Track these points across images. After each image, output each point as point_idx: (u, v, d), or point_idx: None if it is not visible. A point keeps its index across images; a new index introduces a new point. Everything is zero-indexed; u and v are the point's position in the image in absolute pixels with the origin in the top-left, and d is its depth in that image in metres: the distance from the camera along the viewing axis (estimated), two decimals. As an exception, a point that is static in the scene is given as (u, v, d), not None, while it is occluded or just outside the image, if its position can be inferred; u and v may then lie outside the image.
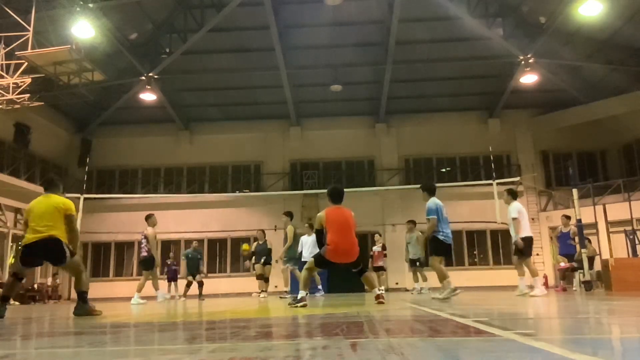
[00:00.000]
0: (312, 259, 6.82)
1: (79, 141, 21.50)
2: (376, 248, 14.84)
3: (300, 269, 9.33)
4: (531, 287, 9.26)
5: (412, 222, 13.00)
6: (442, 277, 7.71)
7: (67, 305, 14.78)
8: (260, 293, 12.59)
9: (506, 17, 17.10)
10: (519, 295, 8.84)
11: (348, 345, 2.37)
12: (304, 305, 6.07)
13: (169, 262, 17.62)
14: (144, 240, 10.94)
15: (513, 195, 9.26)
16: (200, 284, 13.72)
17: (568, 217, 12.41)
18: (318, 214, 6.77)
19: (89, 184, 20.03)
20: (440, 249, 7.87)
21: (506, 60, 18.12)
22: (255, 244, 13.36)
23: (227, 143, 21.79)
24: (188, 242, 20.94)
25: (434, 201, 7.96)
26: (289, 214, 11.95)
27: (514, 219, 8.86)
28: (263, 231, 13.26)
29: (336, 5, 15.97)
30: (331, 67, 18.87)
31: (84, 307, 6.06)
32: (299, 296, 6.34)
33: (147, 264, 10.94)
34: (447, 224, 7.94)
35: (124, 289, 19.59)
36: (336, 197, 6.80)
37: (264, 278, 12.73)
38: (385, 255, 14.72)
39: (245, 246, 13.70)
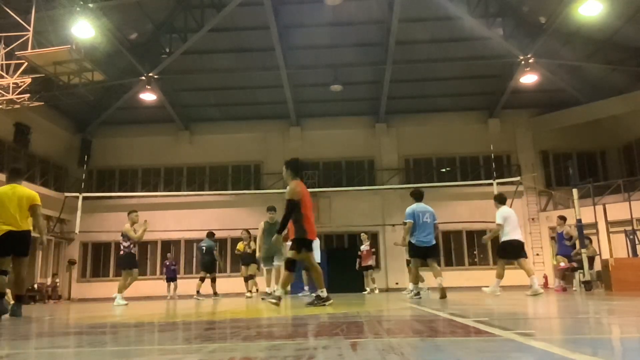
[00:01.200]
0: (292, 250, 6.21)
1: (79, 141, 21.49)
2: (364, 247, 14.70)
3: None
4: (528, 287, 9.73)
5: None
6: (413, 279, 8.67)
7: (67, 305, 14.78)
8: (249, 293, 12.60)
9: (506, 17, 17.08)
10: (490, 293, 9.53)
11: (348, 345, 2.37)
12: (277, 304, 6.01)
13: (167, 263, 17.53)
14: (120, 238, 10.26)
15: (500, 200, 9.69)
16: (214, 280, 13.36)
17: (562, 218, 12.43)
18: (292, 186, 6.33)
19: (89, 183, 20.05)
20: (413, 252, 8.55)
21: (506, 60, 18.11)
22: (243, 244, 13.30)
23: (227, 143, 21.78)
24: (188, 242, 21.02)
25: (412, 207, 8.57)
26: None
27: (498, 224, 9.40)
28: (247, 231, 13.24)
29: (336, 5, 15.96)
30: (331, 67, 18.86)
31: (19, 308, 6.11)
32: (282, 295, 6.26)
33: (124, 263, 10.28)
34: (425, 229, 8.44)
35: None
36: (298, 168, 6.77)
37: (252, 278, 12.73)
38: (374, 254, 14.65)
39: (240, 245, 13.37)
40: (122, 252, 10.23)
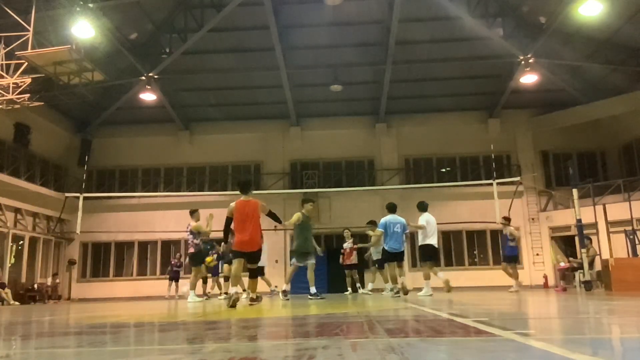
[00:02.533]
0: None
1: (79, 141, 21.49)
2: (346, 245, 13.62)
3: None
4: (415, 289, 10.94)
5: (373, 223, 12.48)
6: (385, 280, 10.44)
7: (67, 305, 14.78)
8: (225, 294, 12.67)
9: (506, 17, 17.07)
10: (423, 295, 10.22)
11: (348, 345, 2.37)
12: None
13: (173, 262, 17.64)
14: (190, 236, 10.66)
15: (422, 208, 10.85)
16: (205, 281, 13.39)
17: (506, 219, 12.58)
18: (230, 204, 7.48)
19: (89, 183, 20.04)
20: (388, 257, 9.95)
21: (506, 60, 18.10)
22: (223, 246, 13.21)
23: (227, 143, 21.79)
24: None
25: (386, 218, 9.91)
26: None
27: (421, 227, 10.50)
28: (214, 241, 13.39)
29: (336, 5, 15.96)
30: (331, 67, 18.85)
31: None
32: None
33: (195, 260, 10.74)
34: (396, 238, 9.78)
35: (124, 289, 19.66)
36: (243, 188, 7.68)
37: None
38: (358, 252, 13.65)
39: (209, 259, 12.32)
40: (192, 250, 10.65)
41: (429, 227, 10.40)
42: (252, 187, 7.95)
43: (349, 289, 13.69)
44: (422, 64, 19.04)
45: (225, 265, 12.75)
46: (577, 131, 20.27)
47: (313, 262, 9.96)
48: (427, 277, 10.40)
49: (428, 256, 10.53)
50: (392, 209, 10.13)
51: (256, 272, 7.66)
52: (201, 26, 16.42)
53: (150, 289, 19.48)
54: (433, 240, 10.43)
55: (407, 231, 10.07)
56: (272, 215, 7.83)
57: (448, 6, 15.65)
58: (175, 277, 17.18)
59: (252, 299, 7.55)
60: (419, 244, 10.69)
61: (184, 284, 14.99)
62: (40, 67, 12.65)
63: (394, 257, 9.80)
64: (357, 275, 13.85)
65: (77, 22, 13.67)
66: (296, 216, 10.00)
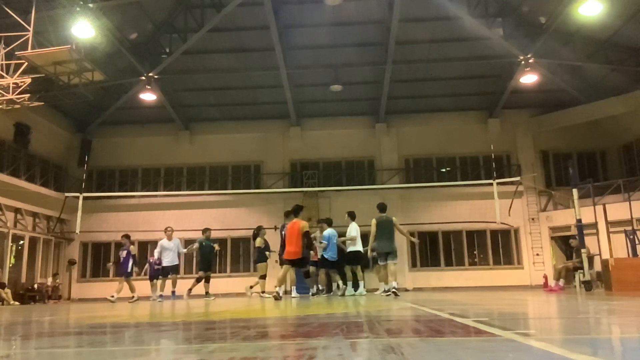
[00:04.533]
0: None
1: (79, 141, 21.49)
2: (316, 243, 12.48)
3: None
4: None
5: (325, 221, 12.61)
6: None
7: (67, 305, 14.78)
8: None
9: (506, 17, 17.07)
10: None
11: (348, 345, 2.38)
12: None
13: (151, 260, 16.30)
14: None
15: (352, 217, 11.87)
16: (208, 280, 13.29)
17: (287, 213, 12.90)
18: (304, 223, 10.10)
19: (89, 183, 20.04)
20: (330, 263, 11.72)
21: (506, 60, 18.10)
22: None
23: (227, 143, 21.78)
24: (188, 242, 20.95)
25: (327, 231, 11.88)
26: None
27: (353, 237, 11.48)
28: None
29: (336, 5, 15.95)
30: (331, 67, 18.85)
31: None
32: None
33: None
34: (334, 249, 11.65)
35: (124, 289, 19.58)
36: (295, 212, 10.55)
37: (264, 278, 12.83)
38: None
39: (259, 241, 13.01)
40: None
41: (359, 235, 11.61)
42: (301, 211, 10.72)
43: (317, 287, 12.13)
44: (422, 64, 19.03)
45: (263, 264, 13.03)
46: (577, 131, 20.26)
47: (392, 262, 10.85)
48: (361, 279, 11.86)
49: (357, 260, 11.66)
50: (329, 222, 11.93)
51: (307, 274, 10.76)
52: (201, 26, 16.42)
53: (150, 289, 19.45)
54: (360, 246, 11.66)
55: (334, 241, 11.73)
56: (307, 235, 10.05)
57: (448, 6, 15.65)
58: (156, 276, 15.73)
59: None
60: (349, 250, 11.62)
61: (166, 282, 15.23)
62: (40, 67, 12.64)
63: (349, 259, 11.50)
64: (337, 274, 12.49)
65: (77, 22, 13.66)
66: (374, 222, 11.01)
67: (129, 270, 13.32)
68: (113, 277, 20.84)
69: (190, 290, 13.23)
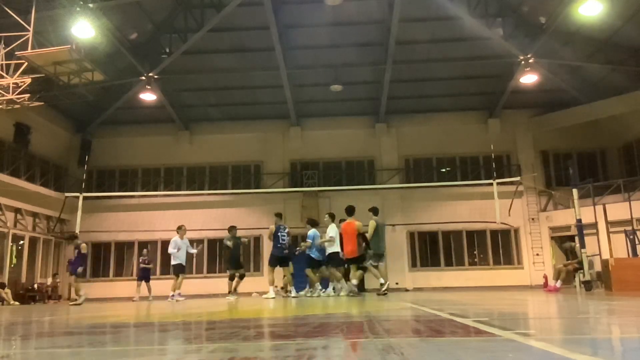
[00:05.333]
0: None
1: (79, 141, 21.48)
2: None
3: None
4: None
5: (310, 222, 12.60)
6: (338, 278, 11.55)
7: (67, 305, 14.77)
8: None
9: (506, 17, 17.07)
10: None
11: (348, 345, 2.38)
12: None
13: (140, 260, 16.49)
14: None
15: (331, 217, 11.94)
16: (242, 277, 12.76)
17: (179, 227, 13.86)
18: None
19: (89, 183, 20.03)
20: (317, 262, 11.96)
21: (506, 60, 18.09)
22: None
23: (227, 143, 21.78)
24: (188, 242, 20.94)
25: (312, 231, 12.00)
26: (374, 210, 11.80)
27: (331, 237, 11.48)
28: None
29: (336, 5, 15.94)
30: (331, 67, 18.84)
31: None
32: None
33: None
34: (319, 248, 11.91)
35: (123, 289, 19.64)
36: (349, 212, 11.23)
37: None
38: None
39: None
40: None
41: (337, 237, 11.59)
42: (354, 211, 11.25)
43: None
44: (422, 64, 19.03)
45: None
46: (577, 131, 20.26)
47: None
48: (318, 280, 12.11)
49: (336, 261, 11.67)
50: (314, 223, 12.20)
51: (364, 268, 11.01)
52: (201, 26, 16.42)
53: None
54: (338, 248, 11.64)
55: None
56: (362, 235, 10.93)
57: (448, 6, 15.64)
58: (145, 277, 15.85)
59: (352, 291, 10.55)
60: (329, 252, 11.62)
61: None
62: (40, 67, 12.63)
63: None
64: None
65: (77, 22, 13.66)
66: (372, 224, 11.39)
67: (78, 270, 12.65)
68: (113, 277, 20.91)
69: (233, 291, 12.55)
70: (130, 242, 21.02)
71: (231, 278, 12.78)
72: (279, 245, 11.69)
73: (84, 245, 12.80)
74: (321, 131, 21.67)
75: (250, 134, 21.84)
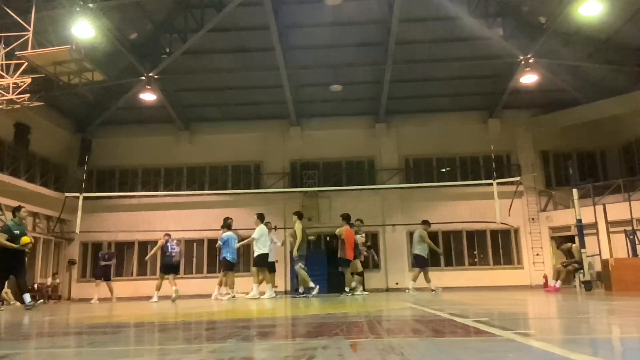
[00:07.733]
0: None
1: (79, 141, 21.48)
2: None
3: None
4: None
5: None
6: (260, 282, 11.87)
7: (67, 305, 14.78)
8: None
9: (506, 17, 17.07)
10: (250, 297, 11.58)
11: (348, 345, 2.38)
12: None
13: (100, 255, 16.00)
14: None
15: (261, 218, 12.21)
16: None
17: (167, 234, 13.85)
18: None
19: (89, 183, 20.03)
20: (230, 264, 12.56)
21: (506, 60, 18.09)
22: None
23: (227, 143, 21.78)
24: (188, 242, 20.98)
25: (226, 233, 12.61)
26: (298, 214, 12.56)
27: (254, 239, 11.81)
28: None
29: (336, 5, 15.95)
30: (331, 67, 18.84)
31: None
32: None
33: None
34: (232, 250, 12.46)
35: (124, 289, 19.64)
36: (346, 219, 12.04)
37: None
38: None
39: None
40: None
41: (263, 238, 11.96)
42: (350, 218, 12.48)
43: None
44: (422, 64, 19.02)
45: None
46: (577, 131, 20.24)
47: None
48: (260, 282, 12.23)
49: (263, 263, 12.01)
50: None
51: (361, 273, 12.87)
52: (201, 26, 16.42)
53: (150, 289, 19.35)
54: (267, 249, 12.04)
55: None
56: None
57: (448, 6, 15.64)
58: (104, 275, 15.32)
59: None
60: (257, 253, 11.91)
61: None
62: (40, 67, 12.64)
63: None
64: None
65: (77, 22, 13.66)
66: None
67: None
68: (113, 277, 20.86)
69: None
70: (130, 242, 21.03)
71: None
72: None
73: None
74: (321, 131, 21.67)
75: (250, 134, 21.83)
